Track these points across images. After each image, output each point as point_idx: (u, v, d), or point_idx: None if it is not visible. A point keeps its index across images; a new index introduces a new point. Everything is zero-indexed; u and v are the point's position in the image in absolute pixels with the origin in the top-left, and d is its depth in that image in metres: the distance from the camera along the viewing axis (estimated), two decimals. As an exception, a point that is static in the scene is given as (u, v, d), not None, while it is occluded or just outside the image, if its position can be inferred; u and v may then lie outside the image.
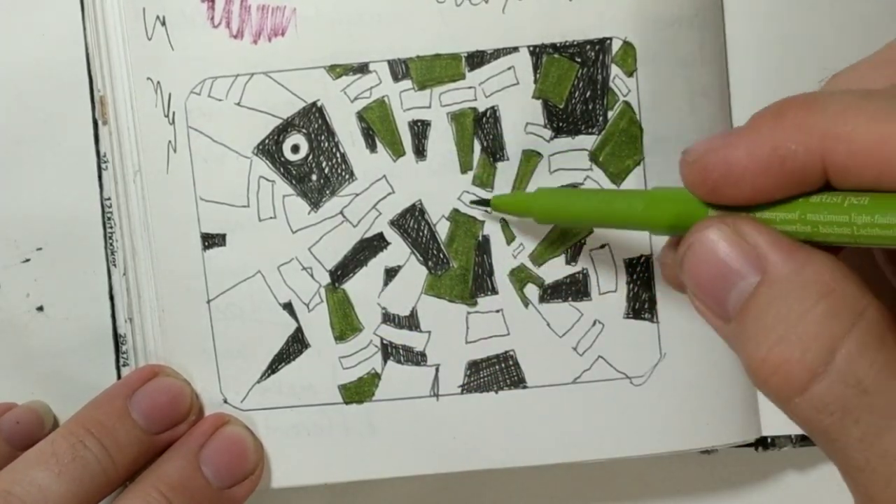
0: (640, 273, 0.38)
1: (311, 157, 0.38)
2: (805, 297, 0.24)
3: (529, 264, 0.39)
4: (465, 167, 0.38)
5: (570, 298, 0.38)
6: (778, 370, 0.24)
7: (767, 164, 0.25)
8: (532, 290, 0.39)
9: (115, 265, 0.39)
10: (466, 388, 0.39)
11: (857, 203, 0.24)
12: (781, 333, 0.24)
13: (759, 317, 0.25)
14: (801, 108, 0.25)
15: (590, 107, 0.38)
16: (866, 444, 0.24)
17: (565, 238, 0.38)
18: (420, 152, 0.38)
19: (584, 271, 0.38)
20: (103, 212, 0.39)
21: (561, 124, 0.38)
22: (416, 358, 0.39)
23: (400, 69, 0.38)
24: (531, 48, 0.38)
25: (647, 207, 0.30)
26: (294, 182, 0.38)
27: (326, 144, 0.38)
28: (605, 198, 0.33)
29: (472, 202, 0.38)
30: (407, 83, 0.38)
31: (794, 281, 0.25)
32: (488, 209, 0.38)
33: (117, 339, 0.40)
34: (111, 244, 0.39)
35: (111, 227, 0.39)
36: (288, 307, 0.39)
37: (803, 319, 0.24)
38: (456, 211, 0.38)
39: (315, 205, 0.38)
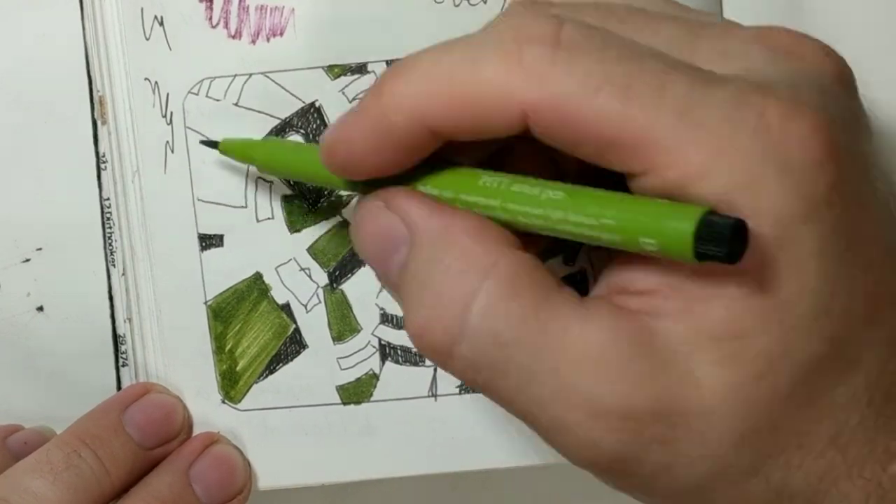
0: (638, 273, 0.38)
1: (309, 157, 0.38)
2: (441, 260, 0.25)
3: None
4: (463, 167, 0.38)
5: (568, 299, 0.38)
6: (423, 337, 0.25)
7: (377, 138, 0.26)
8: (530, 291, 0.38)
9: (114, 265, 0.40)
10: (465, 389, 0.39)
11: (553, 197, 0.24)
12: (424, 299, 0.25)
13: (410, 283, 0.26)
14: (392, 76, 0.26)
15: (588, 107, 0.38)
16: (522, 394, 0.25)
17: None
18: (418, 152, 0.38)
19: (583, 271, 0.38)
20: (102, 212, 0.39)
21: (559, 124, 0.38)
22: (414, 358, 0.39)
23: (398, 69, 0.38)
24: (529, 48, 0.38)
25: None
26: (292, 182, 0.38)
27: (325, 145, 0.38)
28: (306, 152, 0.33)
29: (202, 142, 0.38)
30: (405, 83, 0.38)
31: (434, 245, 0.26)
32: (217, 150, 0.37)
33: (117, 340, 0.40)
34: (110, 244, 0.39)
35: (110, 228, 0.39)
36: (286, 308, 0.39)
37: (439, 283, 0.25)
38: (454, 211, 0.38)
39: (313, 205, 0.38)
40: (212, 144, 0.37)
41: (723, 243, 0.21)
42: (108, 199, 0.39)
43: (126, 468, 0.37)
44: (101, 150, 0.39)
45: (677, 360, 0.24)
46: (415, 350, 0.38)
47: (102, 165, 0.39)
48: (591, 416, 0.24)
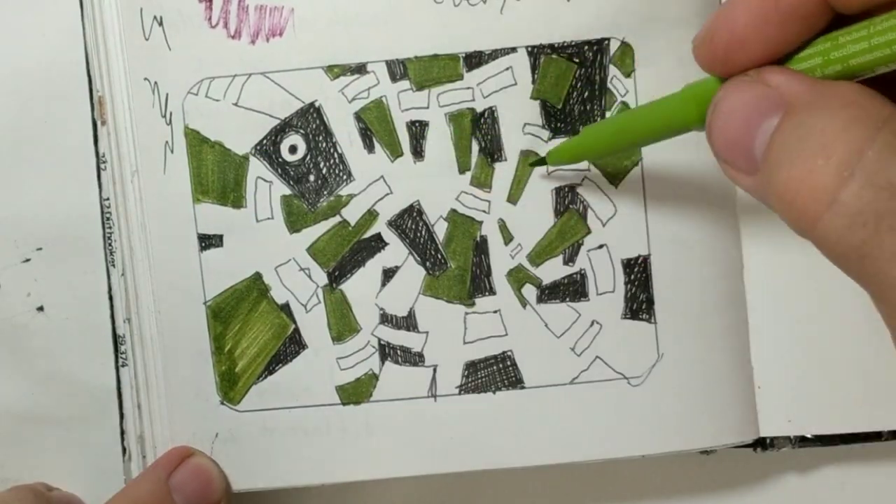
0: (637, 274, 0.38)
1: (308, 157, 0.38)
2: (827, 113, 0.23)
3: (527, 265, 0.38)
4: (462, 168, 0.38)
5: (567, 299, 0.38)
6: (803, 184, 0.23)
7: (764, 12, 0.25)
8: (530, 291, 0.39)
9: (113, 265, 0.39)
10: (464, 389, 0.39)
11: (876, 21, 0.24)
12: (808, 146, 0.23)
13: (784, 145, 0.24)
14: None
15: (588, 107, 0.38)
16: None
17: (563, 237, 0.38)
18: (418, 153, 0.38)
19: (582, 272, 0.38)
20: (102, 212, 0.39)
21: (559, 125, 0.38)
22: (413, 358, 0.39)
23: (398, 69, 0.38)
24: (529, 49, 0.38)
25: (682, 106, 0.29)
26: (292, 182, 0.38)
27: (324, 145, 0.38)
28: (643, 113, 0.32)
29: (532, 163, 0.38)
30: (405, 83, 0.38)
31: (816, 104, 0.24)
32: (546, 166, 0.38)
33: (116, 340, 0.40)
34: (110, 244, 0.39)
35: (110, 228, 0.39)
36: (285, 308, 0.39)
37: (826, 131, 0.23)
38: (454, 211, 0.38)
39: (313, 205, 0.38)
40: (541, 162, 0.37)
41: None
42: (107, 199, 0.39)
43: None
44: (101, 150, 0.39)
45: None
46: (414, 350, 0.38)
47: (102, 165, 0.39)
48: None
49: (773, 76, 0.25)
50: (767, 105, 0.25)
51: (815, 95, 0.24)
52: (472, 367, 0.39)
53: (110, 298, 0.40)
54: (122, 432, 0.40)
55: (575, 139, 0.36)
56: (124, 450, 0.40)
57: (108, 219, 0.39)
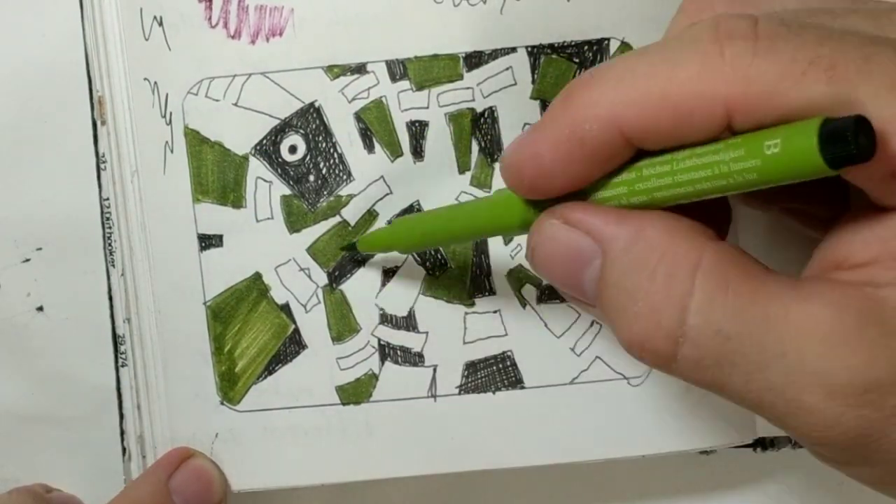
0: (637, 274, 0.38)
1: (308, 157, 0.38)
2: (643, 267, 0.25)
3: (527, 265, 0.38)
4: (462, 168, 0.38)
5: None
6: (644, 346, 0.25)
7: (569, 150, 0.25)
8: (530, 291, 0.39)
9: (113, 266, 0.39)
10: (464, 389, 0.39)
11: (679, 157, 0.24)
12: (635, 310, 0.25)
13: (612, 298, 0.25)
14: (583, 86, 0.25)
15: (588, 107, 0.38)
16: (753, 383, 0.24)
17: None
18: (418, 153, 0.38)
19: None
20: (102, 212, 0.39)
21: (559, 125, 0.38)
22: (413, 359, 0.39)
23: (398, 69, 0.38)
24: (529, 49, 0.38)
25: (491, 215, 0.30)
26: (292, 182, 0.38)
27: (324, 145, 0.38)
28: (454, 213, 0.33)
29: (341, 248, 0.38)
30: (405, 83, 0.38)
31: (631, 253, 0.25)
32: (357, 253, 0.38)
33: (116, 340, 0.40)
34: (110, 244, 0.39)
35: (110, 228, 0.39)
36: (285, 308, 0.39)
37: (648, 291, 0.24)
38: (449, 208, 0.38)
39: (312, 205, 0.38)
40: (351, 248, 0.38)
41: (846, 140, 0.21)
42: (107, 199, 0.39)
43: None
44: (101, 150, 0.39)
45: None
46: (414, 350, 0.38)
47: (102, 166, 0.39)
48: (829, 395, 0.23)
49: (581, 216, 0.26)
50: (584, 253, 0.26)
51: (627, 241, 0.25)
52: (471, 368, 0.39)
53: (110, 298, 0.40)
54: (122, 432, 0.40)
55: (384, 230, 0.37)
56: (124, 450, 0.40)
57: (107, 219, 0.39)
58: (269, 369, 0.39)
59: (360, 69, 0.38)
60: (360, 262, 0.39)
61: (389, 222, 0.38)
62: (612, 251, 0.25)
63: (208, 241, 0.38)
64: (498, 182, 0.38)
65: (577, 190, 0.27)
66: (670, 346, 0.24)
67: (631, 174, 0.26)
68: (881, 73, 0.22)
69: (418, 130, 0.38)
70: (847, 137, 0.21)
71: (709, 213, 0.26)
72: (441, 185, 0.38)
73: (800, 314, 0.23)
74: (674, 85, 0.24)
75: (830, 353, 0.23)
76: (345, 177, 0.38)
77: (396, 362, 0.39)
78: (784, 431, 0.25)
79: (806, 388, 0.23)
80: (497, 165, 0.38)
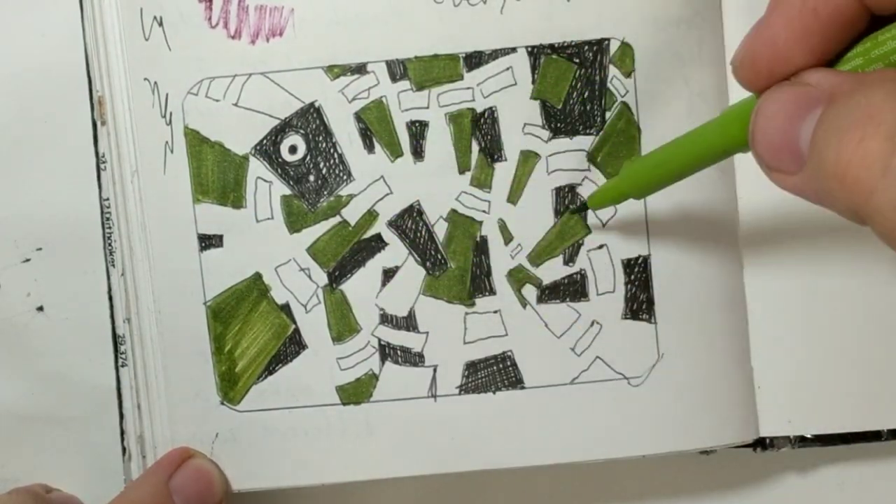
0: (637, 274, 0.38)
1: (308, 157, 0.38)
2: (870, 90, 0.23)
3: (527, 265, 0.38)
4: (462, 168, 0.38)
5: (567, 299, 0.38)
6: (854, 155, 0.23)
7: (804, 23, 0.25)
8: (530, 291, 0.39)
9: (113, 266, 0.39)
10: (464, 389, 0.39)
11: None
12: (852, 124, 0.23)
13: (830, 127, 0.24)
14: None
15: (588, 107, 0.38)
16: None
17: (563, 238, 0.38)
18: (418, 153, 0.38)
19: (582, 272, 0.38)
20: (102, 212, 0.39)
21: (559, 125, 0.38)
22: (413, 359, 0.39)
23: (398, 69, 0.38)
24: (529, 49, 0.38)
25: (724, 129, 0.29)
26: (292, 183, 0.38)
27: (324, 145, 0.38)
28: (682, 143, 0.32)
29: (573, 210, 0.38)
30: (405, 84, 0.38)
31: (858, 88, 0.24)
32: (586, 212, 0.38)
33: (116, 340, 0.40)
34: (110, 244, 0.39)
35: (110, 228, 0.39)
36: (286, 308, 0.39)
37: (871, 104, 0.23)
38: (454, 212, 0.38)
39: (313, 205, 0.38)
40: (582, 209, 0.38)
41: None
42: (107, 199, 0.39)
43: None
44: (101, 150, 0.39)
45: None
46: (414, 350, 0.38)
47: (102, 166, 0.39)
48: None
49: (812, 76, 0.25)
50: (810, 100, 0.25)
51: (856, 82, 0.24)
52: (472, 368, 0.39)
53: (110, 298, 0.40)
54: (122, 432, 0.40)
55: (615, 180, 0.36)
56: (124, 450, 0.40)
57: (107, 219, 0.39)
58: (270, 369, 0.39)
59: (361, 69, 0.38)
60: (361, 262, 0.39)
61: (402, 233, 0.38)
62: (838, 95, 0.24)
63: (208, 241, 0.38)
64: (498, 181, 0.38)
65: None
66: (887, 150, 0.22)
67: (866, 44, 0.25)
68: None
69: (418, 130, 0.38)
70: None
71: None
72: (441, 185, 0.38)
73: None
74: None
75: None
76: (345, 177, 0.38)
77: (397, 362, 0.39)
78: None
79: None
80: (497, 165, 0.38)
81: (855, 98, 0.24)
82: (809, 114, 0.25)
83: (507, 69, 0.38)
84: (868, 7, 0.24)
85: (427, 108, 0.38)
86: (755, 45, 0.26)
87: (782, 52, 0.26)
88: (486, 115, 0.38)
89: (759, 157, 0.27)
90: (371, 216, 0.38)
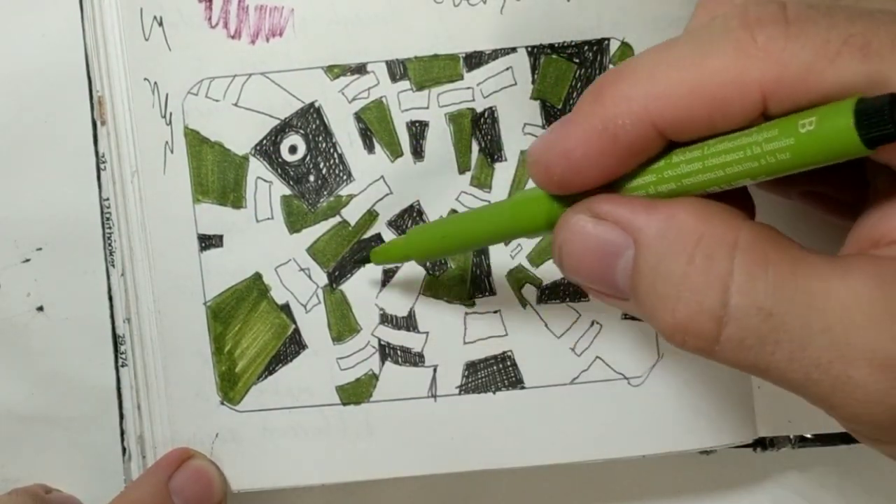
0: (638, 274, 0.38)
1: (308, 157, 0.38)
2: (680, 251, 0.24)
3: (527, 265, 0.38)
4: (462, 168, 0.38)
5: (567, 299, 0.38)
6: (688, 331, 0.25)
7: (601, 145, 0.25)
8: (530, 291, 0.39)
9: (113, 266, 0.39)
10: (464, 389, 0.39)
11: (710, 143, 0.24)
12: (675, 295, 0.24)
13: (649, 286, 0.25)
14: (614, 81, 0.25)
15: (588, 107, 0.38)
16: (797, 361, 0.24)
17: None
18: (418, 153, 0.38)
19: None
20: (102, 212, 0.39)
21: (559, 125, 0.38)
22: (413, 359, 0.39)
23: (398, 69, 0.38)
24: (529, 49, 0.38)
25: (514, 216, 0.30)
26: (292, 183, 0.38)
27: (324, 145, 0.38)
28: (473, 218, 0.33)
29: (355, 260, 0.38)
30: (405, 84, 0.38)
31: (666, 239, 0.25)
32: (368, 264, 0.38)
33: (116, 340, 0.40)
34: (110, 244, 0.39)
35: (110, 228, 0.39)
36: (285, 308, 0.39)
37: (687, 275, 0.24)
38: (454, 212, 0.38)
39: (313, 205, 0.38)
40: (363, 261, 0.38)
41: (883, 118, 0.21)
42: (107, 199, 0.39)
43: None
44: (101, 150, 0.39)
45: None
46: (414, 350, 0.38)
47: (102, 166, 0.39)
48: (877, 369, 0.23)
49: (609, 207, 0.26)
50: (615, 245, 0.26)
51: (660, 227, 0.25)
52: (472, 368, 0.39)
53: (110, 298, 0.40)
54: (122, 432, 0.40)
55: (401, 239, 0.36)
56: (124, 450, 0.40)
57: (107, 219, 0.39)
58: (270, 369, 0.39)
59: (360, 69, 0.38)
60: (361, 262, 0.39)
61: (402, 232, 0.38)
62: (645, 239, 0.25)
63: (208, 242, 0.38)
64: (498, 181, 0.38)
65: (607, 183, 0.26)
66: (714, 327, 0.24)
67: (660, 162, 0.26)
68: None
69: (418, 130, 0.38)
70: (884, 116, 0.21)
71: (732, 204, 0.26)
72: (441, 185, 0.38)
73: (842, 289, 0.23)
74: (707, 74, 0.24)
75: (876, 326, 0.23)
76: (345, 177, 0.38)
77: (397, 362, 0.39)
78: (828, 412, 0.25)
79: (852, 362, 0.23)
80: (497, 165, 0.38)
81: (667, 261, 0.25)
82: (619, 259, 0.26)
83: (507, 69, 0.38)
84: (666, 136, 0.25)
85: (427, 108, 0.38)
86: (550, 154, 0.26)
87: (575, 166, 0.26)
88: (486, 115, 0.38)
89: (574, 278, 0.28)
90: (371, 216, 0.38)
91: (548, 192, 0.28)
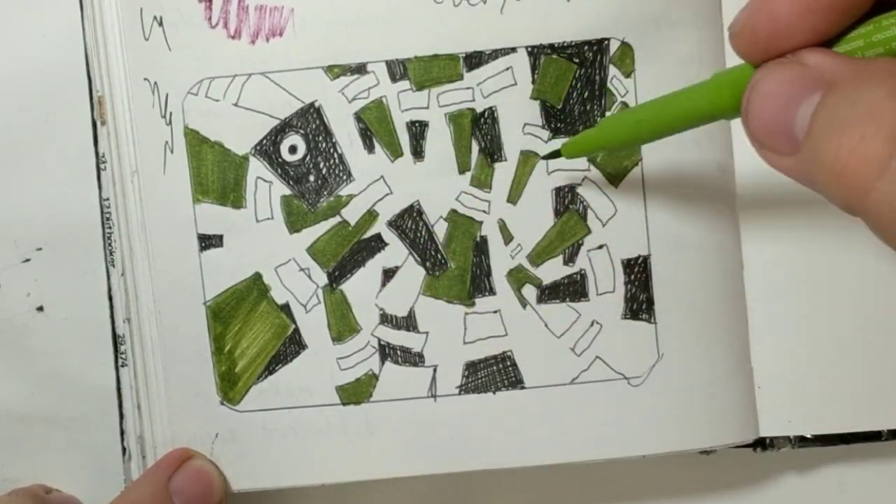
0: (637, 274, 0.38)
1: (308, 157, 0.38)
2: (873, 84, 0.23)
3: (527, 265, 0.38)
4: (462, 168, 0.38)
5: (567, 299, 0.38)
6: (853, 153, 0.23)
7: (808, 2, 0.25)
8: (530, 291, 0.39)
9: (113, 265, 0.39)
10: (464, 389, 0.39)
11: None
12: (852, 120, 0.23)
13: (829, 118, 0.24)
14: None
15: (588, 107, 0.38)
16: None
17: (563, 238, 0.38)
18: (418, 153, 0.38)
19: (582, 272, 0.38)
20: (102, 212, 0.39)
21: (559, 125, 0.38)
22: (413, 359, 0.39)
23: (398, 70, 0.38)
24: (529, 49, 0.38)
25: (713, 94, 0.29)
26: (292, 183, 0.38)
27: (324, 145, 0.38)
28: (669, 102, 0.31)
29: (544, 157, 0.38)
30: (405, 84, 0.38)
31: (859, 78, 0.24)
32: (547, 163, 0.37)
33: (116, 340, 0.40)
34: (110, 244, 0.39)
35: (110, 228, 0.39)
36: (285, 308, 0.39)
37: (873, 101, 0.23)
38: (454, 212, 0.38)
39: (313, 205, 0.38)
40: (555, 155, 0.37)
41: None
42: (107, 199, 0.39)
43: None
44: (101, 150, 0.39)
45: None
46: (414, 350, 0.38)
47: (102, 166, 0.39)
48: None
49: (811, 57, 0.25)
50: (808, 84, 0.25)
51: (857, 71, 0.24)
52: (472, 368, 0.39)
53: (110, 298, 0.40)
54: (122, 432, 0.40)
55: (593, 130, 0.35)
56: (124, 450, 0.40)
57: (107, 219, 0.39)
58: (270, 369, 0.39)
59: (360, 69, 0.38)
60: (361, 262, 0.39)
61: (402, 233, 0.38)
62: (838, 83, 0.24)
63: (208, 242, 0.38)
64: (498, 181, 0.38)
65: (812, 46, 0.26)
66: (886, 150, 0.22)
67: (868, 27, 0.25)
68: None
69: (418, 130, 0.38)
70: None
71: None
72: (441, 185, 0.38)
73: None
74: None
75: None
76: (345, 177, 0.38)
77: (396, 362, 0.39)
78: None
79: None
80: (497, 165, 0.38)
81: (856, 91, 0.23)
82: (807, 98, 0.25)
83: (507, 69, 0.38)
84: None
85: (427, 108, 0.38)
86: (756, 17, 0.26)
87: (783, 26, 0.25)
88: (486, 115, 0.38)
89: (750, 134, 0.26)
90: (371, 216, 0.38)
91: (752, 63, 0.27)
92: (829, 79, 0.24)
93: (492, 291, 0.39)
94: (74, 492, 0.41)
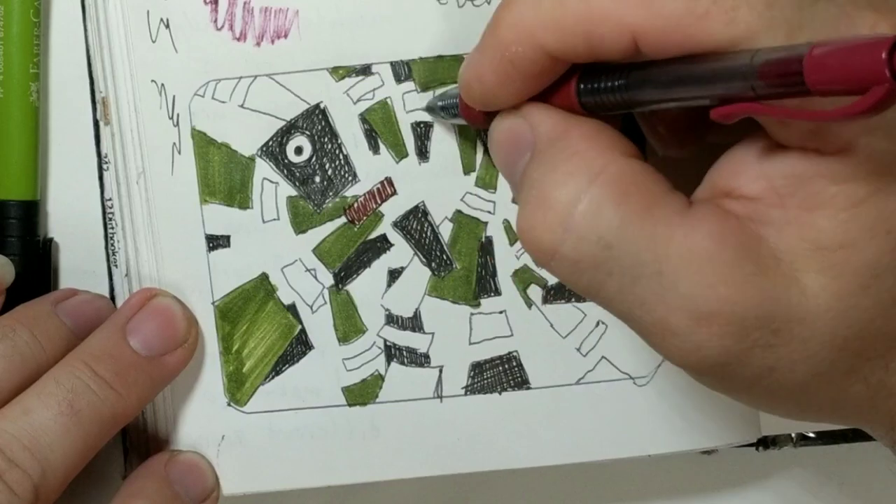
0: (643, 274, 0.38)
1: (314, 158, 0.38)
2: (555, 162, 0.26)
3: (532, 265, 0.39)
4: (467, 168, 0.38)
5: (573, 299, 0.39)
6: (530, 234, 0.26)
7: (504, 70, 0.27)
8: (535, 291, 0.39)
9: (116, 266, 0.39)
10: (470, 390, 0.39)
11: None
12: (533, 199, 0.26)
13: (526, 186, 0.26)
14: (505, 9, 0.26)
15: (592, 108, 0.38)
16: (625, 295, 0.25)
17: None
18: (423, 154, 0.38)
19: None
20: (104, 212, 0.39)
21: (564, 126, 0.38)
22: (419, 359, 0.39)
23: (402, 71, 0.38)
24: (534, 50, 0.38)
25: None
26: (297, 184, 0.38)
27: (330, 146, 0.38)
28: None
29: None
30: (409, 85, 0.38)
31: (553, 148, 0.26)
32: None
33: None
34: (112, 245, 0.39)
35: (112, 228, 0.39)
36: (292, 308, 0.39)
37: (549, 183, 0.25)
38: (459, 212, 0.38)
39: (318, 206, 0.38)
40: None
41: None
42: (109, 199, 0.39)
43: (62, 349, 0.36)
44: (104, 150, 0.39)
45: (781, 267, 0.24)
46: (420, 351, 0.39)
47: (105, 166, 0.39)
48: (695, 320, 0.24)
49: (531, 110, 0.28)
50: (522, 143, 0.27)
51: (554, 138, 0.26)
52: (477, 368, 0.39)
53: (112, 299, 0.40)
54: (125, 432, 0.40)
55: None
56: (125, 450, 0.40)
57: (110, 219, 0.39)
58: (276, 370, 0.39)
59: (365, 70, 0.38)
60: (367, 262, 0.39)
61: (408, 234, 0.38)
62: (539, 145, 0.27)
63: (216, 242, 0.38)
64: (503, 181, 0.38)
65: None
66: (552, 240, 0.25)
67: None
68: (781, 20, 0.23)
69: (423, 131, 0.38)
70: None
71: (635, 140, 0.27)
72: (446, 185, 0.38)
73: (683, 239, 0.24)
74: (586, 10, 0.25)
75: (704, 280, 0.24)
76: (350, 178, 0.38)
77: (402, 363, 0.39)
78: (651, 347, 0.26)
79: (674, 309, 0.24)
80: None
81: (539, 167, 0.26)
82: (521, 158, 0.27)
83: (512, 70, 0.38)
84: (560, 59, 0.26)
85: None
86: (467, 77, 0.28)
87: (490, 89, 0.28)
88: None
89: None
90: (376, 217, 0.39)
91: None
92: (536, 140, 0.27)
93: (497, 292, 0.39)
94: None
